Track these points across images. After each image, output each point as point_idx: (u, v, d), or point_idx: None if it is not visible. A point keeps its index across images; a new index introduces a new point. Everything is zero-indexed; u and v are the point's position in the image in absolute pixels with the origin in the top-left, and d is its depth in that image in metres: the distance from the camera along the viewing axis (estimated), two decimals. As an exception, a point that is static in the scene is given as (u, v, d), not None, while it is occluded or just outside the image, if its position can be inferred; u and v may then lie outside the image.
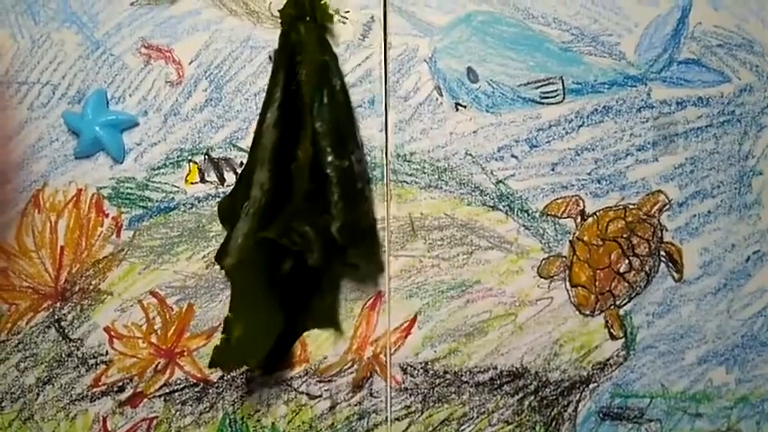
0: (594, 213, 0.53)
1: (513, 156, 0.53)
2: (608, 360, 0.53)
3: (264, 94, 0.50)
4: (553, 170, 0.53)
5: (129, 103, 0.53)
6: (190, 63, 0.53)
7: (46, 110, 0.53)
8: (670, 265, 0.53)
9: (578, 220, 0.53)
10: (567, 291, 0.53)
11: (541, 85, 0.53)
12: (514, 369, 0.53)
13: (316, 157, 0.48)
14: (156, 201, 0.53)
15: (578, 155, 0.53)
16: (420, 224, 0.53)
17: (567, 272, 0.53)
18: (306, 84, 0.49)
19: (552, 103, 0.53)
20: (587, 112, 0.53)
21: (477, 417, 0.52)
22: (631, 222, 0.53)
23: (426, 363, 0.52)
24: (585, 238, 0.53)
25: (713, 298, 0.53)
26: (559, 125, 0.53)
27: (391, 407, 0.52)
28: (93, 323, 0.53)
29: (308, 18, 0.50)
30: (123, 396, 0.52)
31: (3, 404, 0.53)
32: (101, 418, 0.52)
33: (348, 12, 0.53)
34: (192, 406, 0.52)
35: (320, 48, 0.50)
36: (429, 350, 0.52)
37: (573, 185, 0.53)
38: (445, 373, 0.52)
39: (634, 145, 0.53)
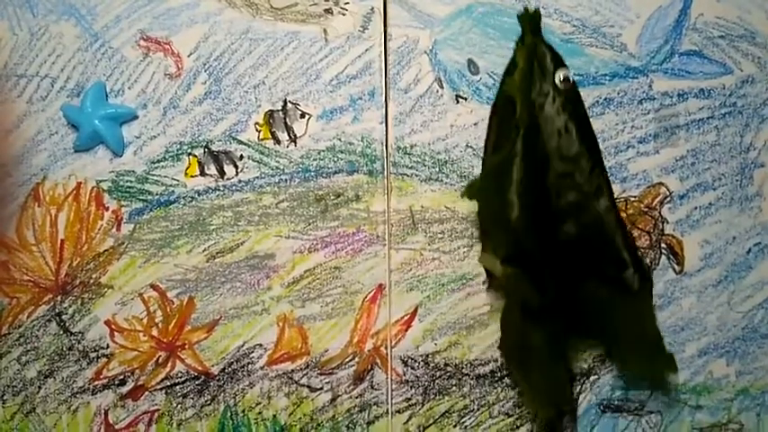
0: (595, 206, 0.53)
1: (513, 148, 0.52)
2: (608, 352, 0.53)
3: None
4: (554, 162, 0.53)
5: (129, 96, 0.53)
6: (189, 55, 0.53)
7: (45, 103, 0.53)
8: (671, 257, 0.53)
9: (579, 212, 0.53)
10: (568, 283, 0.53)
11: (542, 77, 0.53)
12: (515, 361, 0.53)
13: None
14: (156, 194, 0.53)
15: (579, 147, 0.53)
16: (420, 217, 0.53)
17: (568, 264, 0.53)
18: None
19: (553, 95, 0.52)
20: (588, 104, 0.52)
21: (478, 409, 0.52)
22: (632, 215, 0.53)
23: (427, 355, 0.52)
24: (586, 231, 0.53)
25: (714, 290, 0.53)
26: (560, 117, 0.53)
27: (392, 399, 0.52)
28: (94, 316, 0.53)
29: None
30: (124, 389, 0.53)
31: (5, 397, 0.53)
32: (102, 411, 0.53)
33: (348, 3, 0.53)
34: (193, 399, 0.52)
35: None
36: (430, 343, 0.52)
37: (574, 178, 0.53)
38: (446, 365, 0.52)
39: (635, 137, 0.53)
